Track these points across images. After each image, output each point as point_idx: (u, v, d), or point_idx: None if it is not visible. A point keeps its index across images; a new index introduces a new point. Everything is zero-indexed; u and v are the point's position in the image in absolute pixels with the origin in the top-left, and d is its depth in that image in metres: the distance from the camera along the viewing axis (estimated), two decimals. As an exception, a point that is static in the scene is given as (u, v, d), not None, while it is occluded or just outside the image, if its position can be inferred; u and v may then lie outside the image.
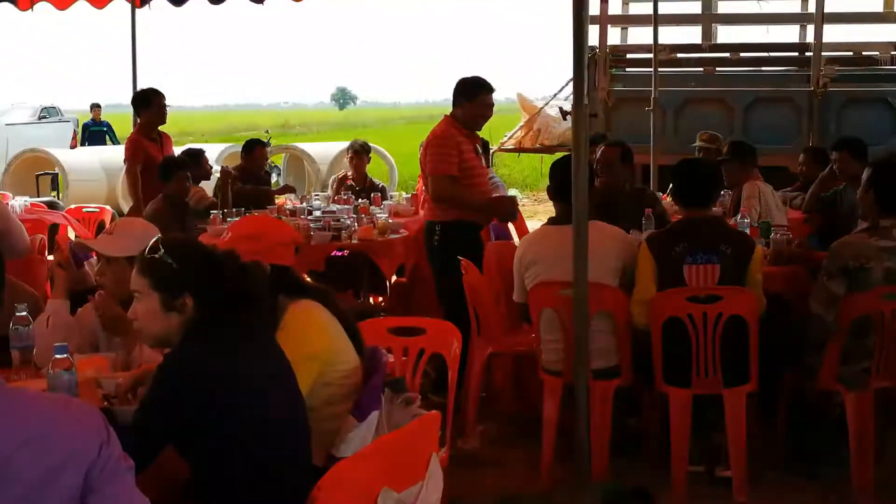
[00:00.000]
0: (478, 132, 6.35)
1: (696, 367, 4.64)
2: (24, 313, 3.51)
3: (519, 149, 12.73)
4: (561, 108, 7.30)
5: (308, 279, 7.67)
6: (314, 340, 3.28)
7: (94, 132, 20.59)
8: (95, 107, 20.94)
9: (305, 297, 3.37)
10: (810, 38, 11.67)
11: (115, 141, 19.59)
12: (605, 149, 6.65)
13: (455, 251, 5.75)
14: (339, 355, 3.35)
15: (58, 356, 2.96)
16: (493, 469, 5.12)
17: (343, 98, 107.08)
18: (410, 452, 2.75)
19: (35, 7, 8.21)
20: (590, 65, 11.42)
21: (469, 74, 6.39)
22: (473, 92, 6.18)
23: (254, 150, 8.82)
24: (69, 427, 2.03)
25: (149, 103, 8.15)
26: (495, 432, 5.50)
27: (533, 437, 5.20)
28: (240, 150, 9.22)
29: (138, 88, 8.70)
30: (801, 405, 4.96)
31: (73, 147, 19.95)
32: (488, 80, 6.25)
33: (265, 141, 10.05)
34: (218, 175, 8.17)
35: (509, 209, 6.51)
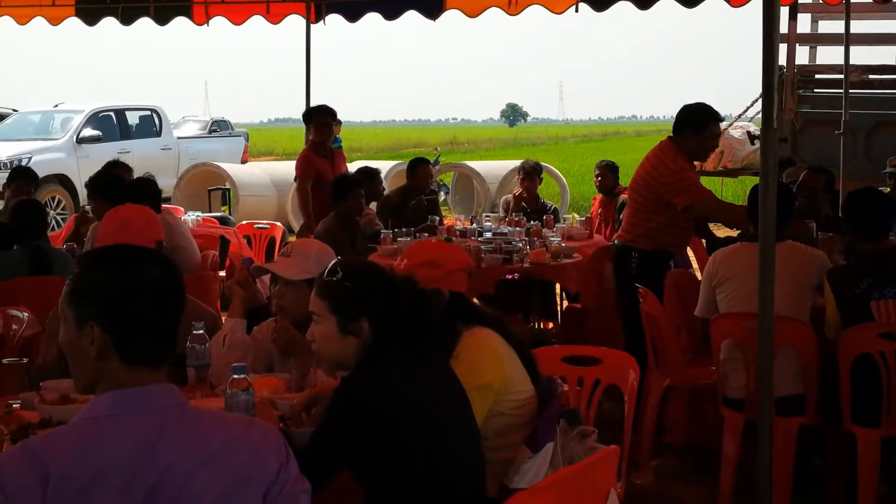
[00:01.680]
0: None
1: (888, 406, 4.40)
2: (202, 332, 3.56)
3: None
4: (749, 132, 7.05)
5: (478, 303, 7.71)
6: (488, 369, 3.22)
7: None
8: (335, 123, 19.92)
9: (480, 325, 3.31)
10: None
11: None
12: (807, 174, 6.44)
13: (650, 281, 5.60)
14: (513, 384, 3.28)
15: (235, 376, 2.97)
16: (668, 505, 4.94)
17: (513, 115, 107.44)
18: (588, 487, 2.67)
19: (211, 22, 8.27)
20: (777, 85, 11.05)
21: (693, 102, 6.09)
22: (703, 123, 5.88)
23: (416, 169, 8.69)
24: (250, 447, 2.06)
25: (311, 120, 8.31)
26: (670, 467, 5.30)
27: (709, 473, 5.03)
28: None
29: (311, 104, 8.85)
30: None
31: (243, 162, 19.56)
32: (714, 108, 6.01)
33: (429, 160, 9.80)
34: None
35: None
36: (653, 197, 5.88)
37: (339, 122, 18.22)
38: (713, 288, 4.96)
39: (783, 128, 10.89)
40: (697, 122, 5.88)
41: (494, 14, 7.56)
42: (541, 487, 2.62)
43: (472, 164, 18.69)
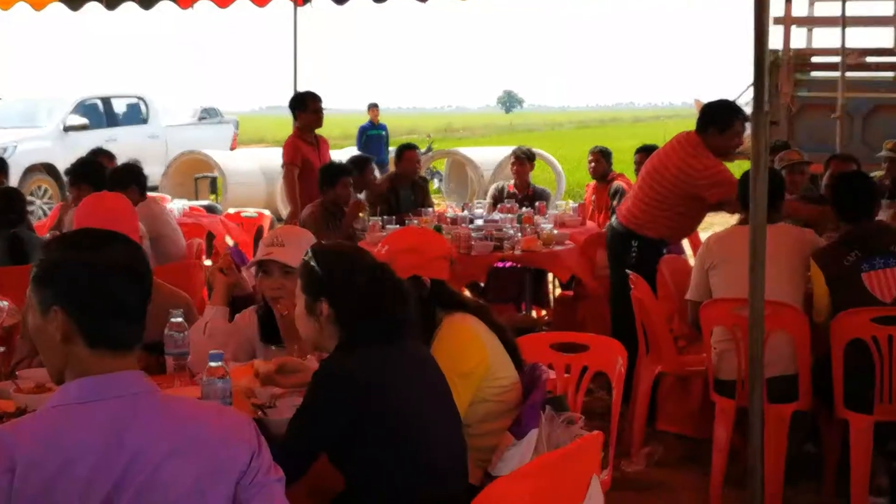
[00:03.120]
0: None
1: (880, 391, 4.36)
2: (180, 319, 3.49)
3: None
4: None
5: (467, 291, 7.64)
6: (471, 356, 3.17)
7: (372, 136, 17.42)
8: (372, 107, 17.68)
9: (462, 311, 3.25)
10: None
11: (386, 146, 17.35)
12: (836, 163, 6.42)
13: (644, 268, 5.56)
14: (496, 371, 3.23)
15: (213, 364, 2.91)
16: (658, 493, 4.88)
17: (509, 101, 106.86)
18: (570, 474, 2.61)
19: (196, 6, 8.14)
20: (772, 69, 10.99)
21: (718, 100, 5.99)
22: (726, 122, 5.75)
23: (403, 155, 8.53)
24: (221, 435, 2.02)
25: (305, 106, 8.15)
26: (662, 455, 5.24)
27: (701, 461, 5.00)
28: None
29: (297, 90, 8.71)
30: None
31: (232, 149, 19.25)
32: (740, 106, 5.90)
33: (417, 146, 9.48)
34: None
35: None
36: (679, 192, 5.77)
37: (376, 105, 17.43)
38: (706, 271, 4.91)
39: (779, 112, 10.83)
40: (721, 120, 5.76)
41: (488, -4, 7.43)
42: (520, 474, 2.57)
43: (465, 150, 18.57)
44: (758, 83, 4.19)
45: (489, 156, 17.64)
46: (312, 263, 2.85)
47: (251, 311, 3.79)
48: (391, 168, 13.91)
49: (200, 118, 20.63)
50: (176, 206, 9.02)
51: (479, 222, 7.54)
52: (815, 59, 11.49)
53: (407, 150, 8.55)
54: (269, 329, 3.69)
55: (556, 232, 7.13)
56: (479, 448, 3.10)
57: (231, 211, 9.90)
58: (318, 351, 3.02)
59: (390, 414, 2.65)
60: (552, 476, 2.52)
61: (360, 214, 7.28)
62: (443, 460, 2.77)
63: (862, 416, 4.39)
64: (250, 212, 9.56)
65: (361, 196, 7.99)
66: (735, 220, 5.22)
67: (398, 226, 7.06)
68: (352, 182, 7.40)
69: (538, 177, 20.27)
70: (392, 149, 15.53)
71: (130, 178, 6.73)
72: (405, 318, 2.82)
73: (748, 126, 4.83)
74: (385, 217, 7.42)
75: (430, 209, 8.16)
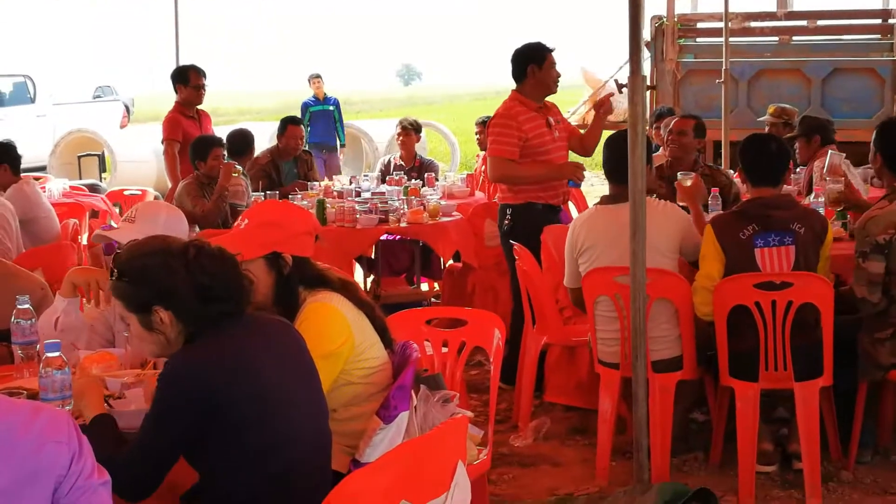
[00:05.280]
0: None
1: (765, 359, 4.30)
2: (27, 306, 3.25)
3: (583, 125, 12.34)
4: (616, 81, 6.82)
5: (357, 265, 7.48)
6: (335, 336, 2.99)
7: (317, 114, 13.27)
8: (314, 77, 13.59)
9: (326, 290, 3.08)
10: (894, 4, 11.11)
11: (341, 125, 13.59)
12: (678, 120, 6.39)
13: (527, 236, 5.44)
14: (363, 351, 3.07)
15: (49, 354, 2.71)
16: (546, 468, 4.79)
17: (408, 74, 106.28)
18: (433, 461, 2.46)
19: None
20: (657, 35, 11.01)
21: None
22: (542, 55, 5.74)
23: (286, 129, 8.16)
24: (36, 436, 1.86)
25: (186, 80, 7.86)
26: (549, 427, 5.16)
27: (589, 433, 4.96)
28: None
29: (180, 64, 8.43)
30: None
31: (122, 127, 18.77)
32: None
33: (300, 119, 9.13)
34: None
35: (574, 172, 5.96)
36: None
37: (318, 76, 13.56)
38: (575, 258, 4.75)
39: (665, 78, 10.84)
40: (535, 56, 5.76)
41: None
42: (379, 463, 2.42)
43: (359, 123, 18.36)
44: (633, 47, 4.11)
45: (385, 128, 17.46)
46: (123, 280, 2.60)
47: None
48: (341, 153, 13.25)
49: (95, 97, 20.15)
50: (55, 185, 8.72)
51: (367, 195, 7.37)
52: (700, 25, 11.54)
53: (290, 123, 8.22)
54: None
55: (443, 203, 7.02)
56: (345, 433, 2.96)
57: (114, 189, 9.64)
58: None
59: (241, 405, 2.48)
60: (413, 465, 2.37)
61: (234, 174, 6.94)
62: (302, 450, 2.62)
63: (747, 384, 4.35)
64: (134, 189, 9.23)
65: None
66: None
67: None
68: (225, 154, 7.10)
69: (435, 149, 20.21)
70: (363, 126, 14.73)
71: (2, 158, 6.51)
72: (241, 286, 2.64)
73: (625, 92, 4.71)
74: (268, 192, 7.18)
75: (316, 183, 7.95)
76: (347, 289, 3.14)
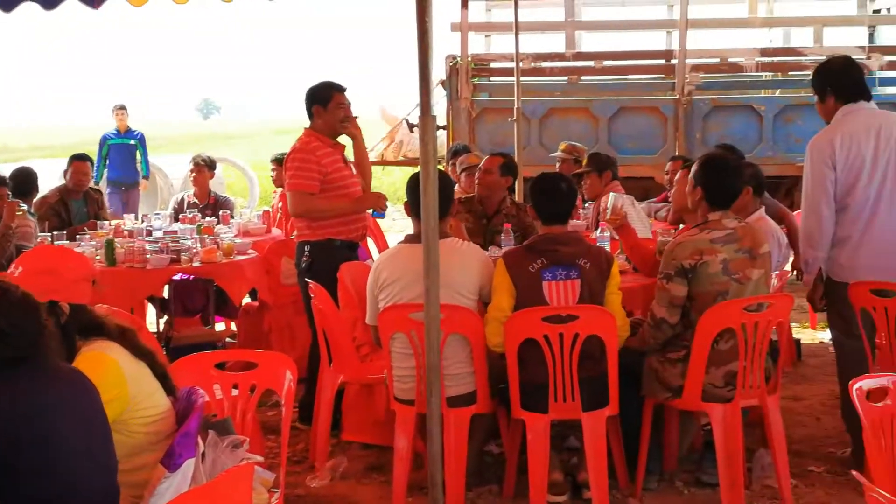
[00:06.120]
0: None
1: (554, 391, 4.41)
2: None
3: (382, 161, 12.42)
4: (407, 121, 6.89)
5: (150, 305, 7.25)
6: (107, 387, 2.85)
7: (117, 147, 12.48)
8: (119, 109, 12.64)
9: (103, 338, 2.97)
10: (675, 46, 11.66)
11: (145, 158, 12.74)
12: (488, 159, 6.53)
13: (325, 273, 5.40)
14: (140, 401, 2.97)
15: None
16: (341, 507, 4.75)
17: (207, 108, 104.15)
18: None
19: None
20: (452, 74, 11.19)
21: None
22: (327, 95, 5.74)
23: (72, 166, 7.88)
24: None
25: None
26: (346, 466, 5.11)
27: (386, 469, 4.96)
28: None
29: None
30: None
31: None
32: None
33: (90, 157, 8.48)
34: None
35: (377, 202, 5.91)
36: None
37: (123, 108, 12.65)
38: (376, 295, 4.72)
39: (461, 116, 11.03)
40: (321, 96, 5.76)
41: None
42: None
43: (156, 159, 17.83)
44: (423, 87, 4.14)
45: (181, 164, 17.00)
46: None
47: None
48: (143, 187, 12.55)
49: None
50: None
51: (158, 234, 7.17)
52: (493, 65, 11.79)
53: (76, 160, 7.93)
54: None
55: (238, 241, 6.90)
56: (131, 484, 2.86)
57: None
58: None
59: (30, 444, 2.40)
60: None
61: (18, 213, 6.61)
62: (92, 497, 2.52)
63: (537, 416, 4.44)
64: None
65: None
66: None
67: (69, 241, 6.58)
68: (9, 194, 6.76)
69: (233, 184, 19.83)
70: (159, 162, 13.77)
71: None
72: (39, 331, 2.55)
73: (416, 132, 4.76)
74: (56, 232, 6.88)
75: (106, 222, 7.68)
76: (125, 336, 3.04)
